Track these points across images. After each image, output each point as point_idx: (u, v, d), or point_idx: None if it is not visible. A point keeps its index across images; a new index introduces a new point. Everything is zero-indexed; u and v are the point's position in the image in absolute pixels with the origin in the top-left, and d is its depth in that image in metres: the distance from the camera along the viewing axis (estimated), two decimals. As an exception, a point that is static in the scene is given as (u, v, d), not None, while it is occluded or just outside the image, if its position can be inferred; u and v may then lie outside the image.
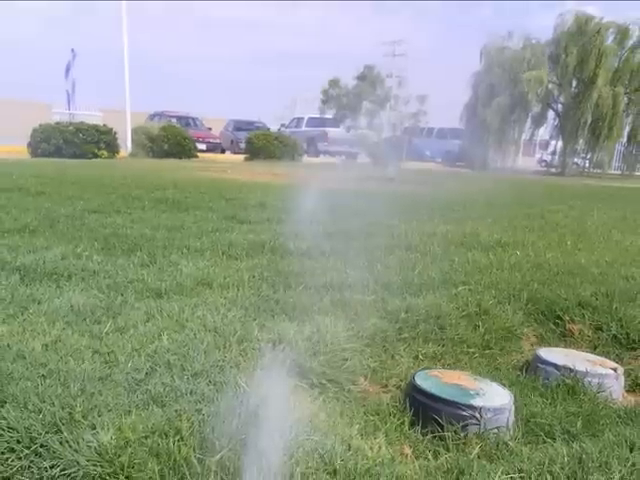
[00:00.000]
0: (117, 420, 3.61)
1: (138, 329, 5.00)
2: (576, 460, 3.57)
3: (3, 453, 3.37)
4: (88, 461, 3.23)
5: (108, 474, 3.14)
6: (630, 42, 36.98)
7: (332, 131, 35.49)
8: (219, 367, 4.41)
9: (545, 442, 3.96)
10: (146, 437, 3.45)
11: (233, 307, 5.58)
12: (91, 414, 3.68)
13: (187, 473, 3.14)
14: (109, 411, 3.74)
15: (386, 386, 4.74)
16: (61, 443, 3.38)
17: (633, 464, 3.53)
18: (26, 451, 3.36)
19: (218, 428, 3.49)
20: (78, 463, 3.21)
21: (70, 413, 3.67)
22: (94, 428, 3.53)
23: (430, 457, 3.76)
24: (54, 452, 3.32)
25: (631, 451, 3.69)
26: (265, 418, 3.49)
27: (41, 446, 3.38)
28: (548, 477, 3.40)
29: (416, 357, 5.19)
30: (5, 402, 3.76)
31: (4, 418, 3.59)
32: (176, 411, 3.78)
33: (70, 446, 3.35)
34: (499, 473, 3.43)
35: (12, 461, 3.32)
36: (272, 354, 4.63)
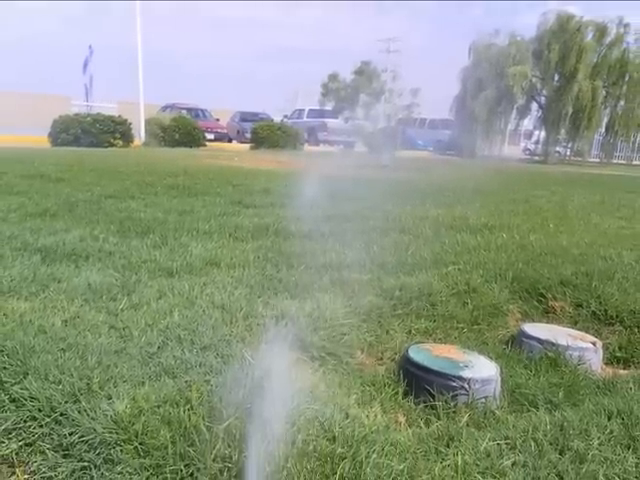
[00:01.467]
0: (131, 390, 3.60)
1: (151, 306, 4.98)
2: (558, 427, 3.56)
3: (26, 421, 3.37)
4: (104, 429, 3.22)
5: (123, 440, 3.13)
6: (608, 39, 36.83)
7: (331, 122, 35.43)
8: (226, 341, 4.40)
9: (529, 411, 3.95)
10: (158, 406, 3.44)
11: (239, 285, 5.56)
12: (107, 385, 3.67)
13: (196, 440, 3.13)
14: (124, 382, 3.73)
15: (381, 359, 4.73)
16: (79, 412, 3.37)
17: (611, 431, 3.52)
18: (47, 419, 3.36)
19: (225, 398, 3.48)
20: (95, 430, 3.21)
21: (88, 384, 3.66)
22: (110, 398, 3.52)
23: (422, 425, 3.76)
24: (73, 420, 3.32)
25: (609, 419, 3.68)
26: (269, 389, 3.48)
27: (61, 415, 3.39)
28: (532, 443, 3.39)
29: (409, 332, 5.18)
30: (27, 374, 3.75)
31: (26, 389, 3.59)
32: (186, 382, 3.77)
33: (88, 415, 3.34)
34: (486, 440, 3.42)
35: (34, 428, 3.32)
36: (275, 329, 4.62)
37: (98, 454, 3.09)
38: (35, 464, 3.07)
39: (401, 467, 2.99)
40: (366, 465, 2.98)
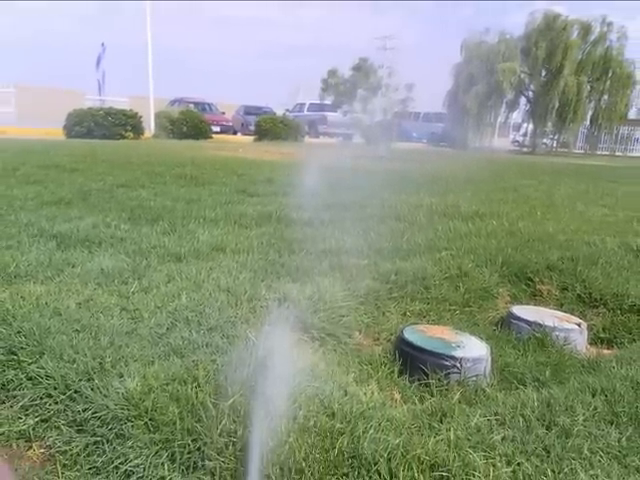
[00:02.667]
0: (142, 369, 3.59)
1: (160, 289, 4.97)
2: (545, 404, 3.55)
3: (42, 398, 3.37)
4: (116, 405, 3.22)
5: (134, 416, 3.12)
6: (592, 37, 36.67)
7: (330, 115, 35.36)
8: (231, 322, 4.39)
9: (517, 388, 3.94)
10: (167, 384, 3.43)
11: (244, 270, 5.54)
12: (119, 364, 3.67)
13: (203, 416, 3.12)
14: (135, 361, 3.71)
15: (378, 339, 4.71)
16: (92, 389, 3.37)
17: (595, 408, 3.51)
18: (62, 396, 3.36)
19: (230, 376, 3.47)
20: (107, 407, 3.21)
21: (100, 363, 3.65)
22: (121, 376, 3.51)
23: (416, 401, 3.75)
24: (86, 397, 3.32)
25: (593, 396, 3.67)
26: (272, 367, 3.46)
27: (75, 392, 3.39)
28: (520, 419, 3.38)
29: (404, 314, 5.16)
30: (43, 353, 3.74)
31: (42, 367, 3.58)
32: (193, 361, 3.76)
33: (100, 392, 3.35)
34: (477, 415, 3.41)
35: (49, 405, 3.32)
36: (278, 311, 4.60)
37: (110, 429, 3.08)
38: (51, 439, 3.06)
39: (397, 442, 2.97)
40: (363, 440, 2.97)
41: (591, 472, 2.93)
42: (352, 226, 7.39)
